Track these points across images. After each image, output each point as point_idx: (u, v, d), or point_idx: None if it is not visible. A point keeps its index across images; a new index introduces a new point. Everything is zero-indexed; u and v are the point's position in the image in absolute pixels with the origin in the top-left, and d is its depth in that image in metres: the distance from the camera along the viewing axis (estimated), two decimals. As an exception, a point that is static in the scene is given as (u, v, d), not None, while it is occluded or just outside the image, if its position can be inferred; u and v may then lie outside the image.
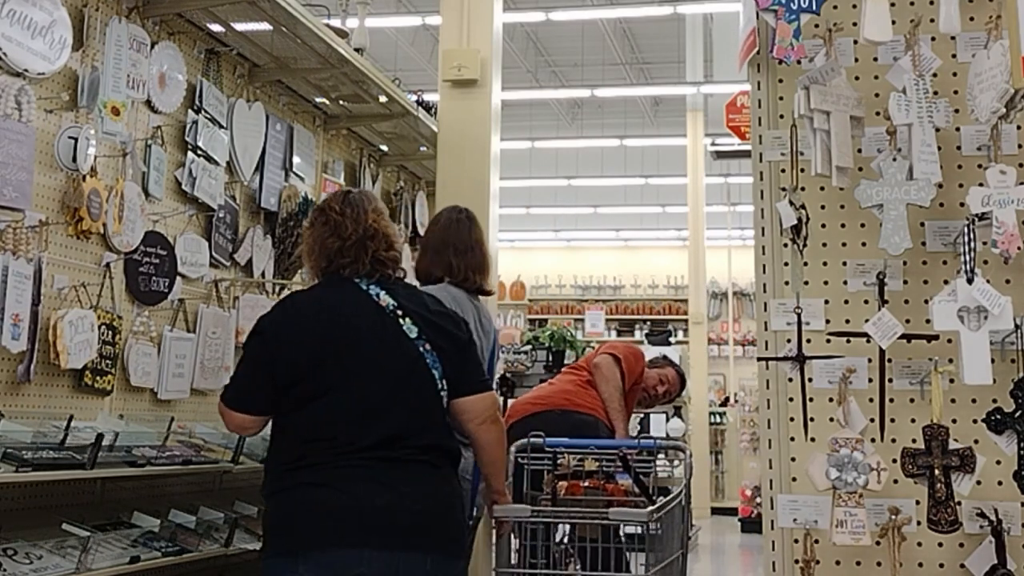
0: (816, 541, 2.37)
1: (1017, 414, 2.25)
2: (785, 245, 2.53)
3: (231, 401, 2.60)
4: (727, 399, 14.74)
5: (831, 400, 2.39)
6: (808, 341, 2.41)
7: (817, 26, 2.49)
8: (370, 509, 2.42)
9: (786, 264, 2.54)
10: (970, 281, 2.22)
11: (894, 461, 2.29)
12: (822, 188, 2.53)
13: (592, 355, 4.59)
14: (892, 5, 2.41)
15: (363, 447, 2.50)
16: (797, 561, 2.39)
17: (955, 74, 2.50)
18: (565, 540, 3.08)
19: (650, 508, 2.62)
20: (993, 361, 2.26)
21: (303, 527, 2.41)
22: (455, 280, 3.49)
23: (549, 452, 3.29)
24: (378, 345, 2.62)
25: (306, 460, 2.49)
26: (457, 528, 2.56)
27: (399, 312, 2.64)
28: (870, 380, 2.41)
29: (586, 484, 3.26)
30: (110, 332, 3.51)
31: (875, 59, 2.57)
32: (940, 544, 2.36)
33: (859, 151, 2.50)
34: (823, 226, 2.53)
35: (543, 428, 3.50)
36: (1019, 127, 2.46)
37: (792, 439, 2.48)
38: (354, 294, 2.65)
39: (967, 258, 2.22)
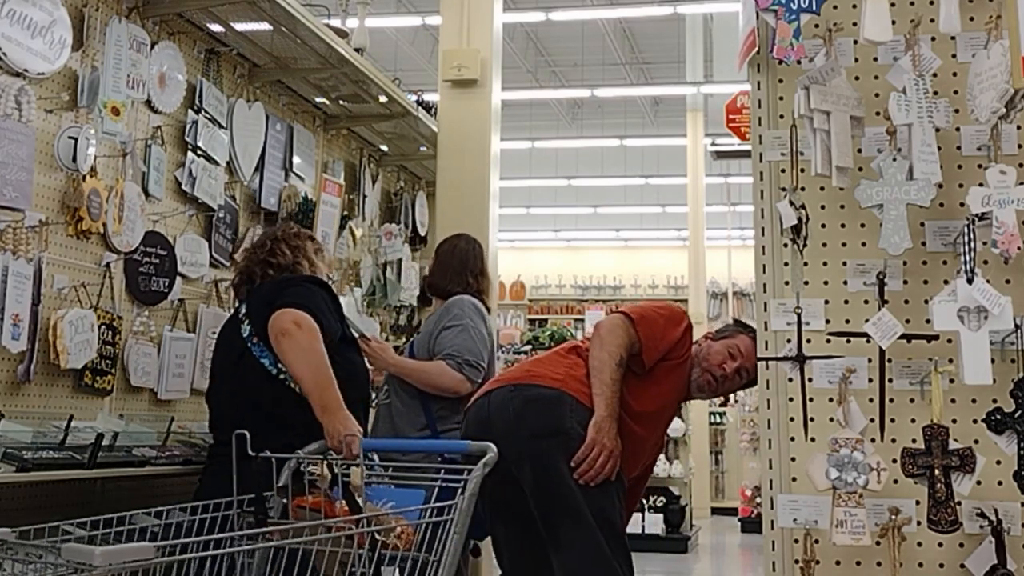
0: (816, 541, 2.37)
1: (1017, 414, 2.25)
2: (785, 245, 2.53)
3: None
4: (727, 399, 14.72)
5: (831, 400, 2.39)
6: (808, 341, 2.41)
7: (817, 26, 2.49)
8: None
9: (786, 264, 2.54)
10: (970, 281, 2.21)
11: (894, 461, 2.29)
12: (822, 188, 2.52)
13: None
14: (892, 5, 2.41)
15: (218, 446, 3.09)
16: (797, 561, 2.39)
17: (955, 74, 2.50)
18: None
19: (110, 549, 1.70)
20: (993, 361, 2.26)
21: None
22: (471, 295, 3.97)
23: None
24: (221, 359, 3.25)
25: None
26: None
27: (244, 319, 3.17)
28: (870, 380, 2.41)
29: (305, 502, 2.45)
30: (110, 332, 3.51)
31: (875, 59, 2.56)
32: (940, 544, 2.36)
33: (859, 151, 2.50)
34: (823, 226, 2.53)
35: (490, 411, 2.98)
36: (1019, 127, 2.46)
37: (792, 439, 2.48)
38: (232, 316, 3.30)
39: (967, 258, 2.22)
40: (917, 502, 2.34)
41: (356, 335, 3.46)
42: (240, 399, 3.08)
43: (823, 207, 2.54)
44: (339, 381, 3.02)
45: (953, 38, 2.49)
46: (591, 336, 3.09)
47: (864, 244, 2.50)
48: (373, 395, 3.88)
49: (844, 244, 2.53)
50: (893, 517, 2.26)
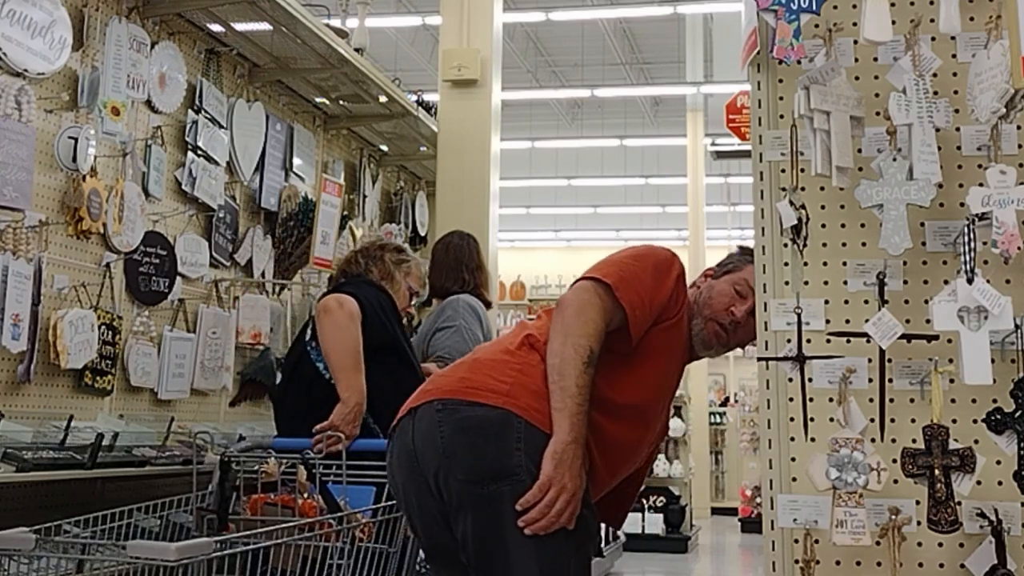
0: (816, 541, 2.37)
1: (1017, 414, 2.24)
2: (785, 245, 2.52)
3: None
4: (727, 399, 14.73)
5: (831, 400, 2.39)
6: (808, 341, 2.41)
7: (817, 26, 2.49)
8: None
9: (786, 264, 2.53)
10: (970, 281, 2.21)
11: (894, 461, 2.29)
12: (822, 188, 2.52)
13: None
14: (892, 5, 2.41)
15: None
16: (797, 561, 2.39)
17: (955, 74, 2.50)
18: None
19: (180, 544, 1.77)
20: (993, 361, 2.25)
21: None
22: (469, 292, 3.96)
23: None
24: (287, 360, 3.31)
25: None
26: None
27: (309, 323, 3.18)
28: (870, 380, 2.41)
29: (272, 499, 2.43)
30: (110, 332, 3.51)
31: (875, 59, 2.56)
32: (940, 544, 2.36)
33: (859, 151, 2.49)
34: (823, 226, 2.53)
35: (414, 439, 2.12)
36: (1019, 127, 2.46)
37: (792, 439, 2.48)
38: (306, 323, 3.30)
39: (967, 258, 2.21)
40: (917, 502, 2.33)
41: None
42: (294, 399, 3.10)
43: (823, 207, 2.54)
44: (372, 390, 2.96)
45: (953, 38, 2.49)
46: (553, 313, 2.20)
47: (864, 244, 2.50)
48: None
49: (844, 244, 2.52)
50: (893, 517, 2.26)
